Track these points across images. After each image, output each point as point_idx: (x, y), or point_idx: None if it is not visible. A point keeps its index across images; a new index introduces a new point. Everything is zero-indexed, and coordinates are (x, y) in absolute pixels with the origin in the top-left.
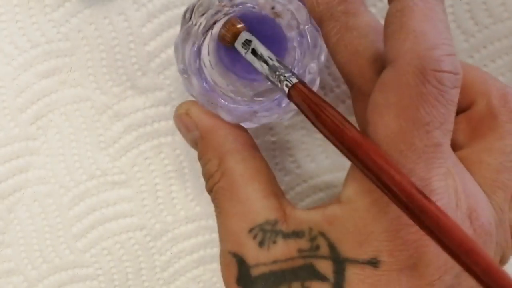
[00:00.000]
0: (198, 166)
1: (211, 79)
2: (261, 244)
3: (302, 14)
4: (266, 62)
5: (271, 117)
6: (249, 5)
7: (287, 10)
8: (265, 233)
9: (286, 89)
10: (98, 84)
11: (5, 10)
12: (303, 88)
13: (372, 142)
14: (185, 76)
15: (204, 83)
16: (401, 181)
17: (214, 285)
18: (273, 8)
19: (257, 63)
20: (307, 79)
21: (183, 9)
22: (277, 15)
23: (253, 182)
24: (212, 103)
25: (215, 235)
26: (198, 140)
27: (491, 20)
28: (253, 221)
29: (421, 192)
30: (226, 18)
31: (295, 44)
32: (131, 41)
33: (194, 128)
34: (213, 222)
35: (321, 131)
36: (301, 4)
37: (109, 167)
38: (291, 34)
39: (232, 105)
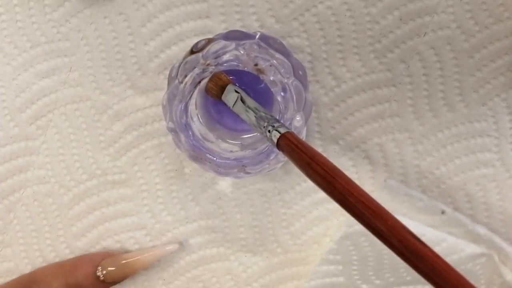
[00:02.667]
0: (198, 166)
1: (199, 133)
2: None
3: (286, 68)
4: (253, 113)
5: (259, 170)
6: (233, 63)
7: (270, 65)
8: None
9: (275, 139)
10: (98, 84)
11: (5, 10)
12: (292, 138)
13: (363, 189)
14: (173, 133)
15: (192, 139)
16: (394, 225)
17: (214, 285)
18: (256, 64)
19: (244, 115)
20: (293, 129)
21: (183, 9)
22: (260, 71)
23: None
24: (200, 159)
25: (215, 235)
26: None
27: (492, 20)
28: None
29: (414, 236)
30: (212, 73)
31: (279, 98)
32: (131, 41)
33: None
34: (212, 222)
35: (312, 180)
36: (284, 59)
37: (109, 167)
38: (275, 89)
39: (220, 160)
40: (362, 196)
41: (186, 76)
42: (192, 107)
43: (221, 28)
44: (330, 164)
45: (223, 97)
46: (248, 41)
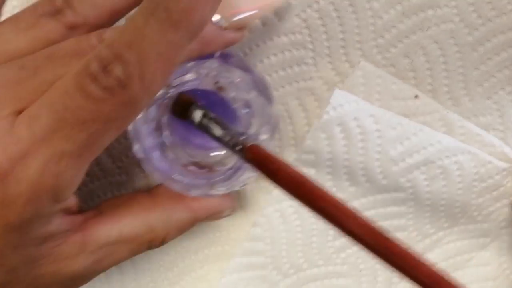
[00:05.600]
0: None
1: (170, 154)
2: None
3: (247, 84)
4: (219, 129)
5: (229, 187)
6: (194, 82)
7: (230, 83)
8: None
9: (242, 153)
10: None
11: (4, 11)
12: (257, 150)
13: (330, 192)
14: (141, 155)
15: (161, 161)
16: (365, 224)
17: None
18: (216, 82)
19: (210, 132)
20: (259, 144)
21: None
22: (221, 89)
23: None
24: (171, 180)
25: (220, 234)
26: None
27: (495, 13)
28: None
29: (385, 233)
30: (175, 94)
31: (241, 115)
32: None
33: None
34: (216, 221)
35: (280, 187)
36: (245, 75)
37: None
38: (237, 105)
39: (189, 181)
40: (331, 199)
41: None
42: (159, 129)
43: None
44: (296, 172)
45: (188, 117)
46: (208, 60)
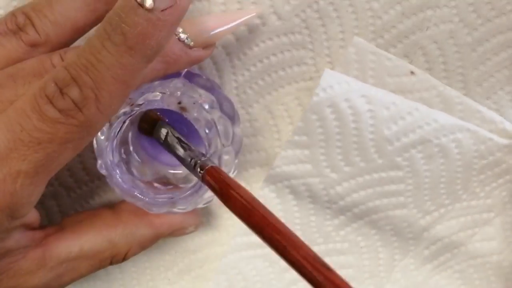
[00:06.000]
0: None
1: (134, 171)
2: None
3: (210, 104)
4: (182, 149)
5: (191, 204)
6: (158, 101)
7: (194, 103)
8: None
9: (200, 173)
10: None
11: (4, 12)
12: (215, 171)
13: (279, 220)
14: (104, 171)
15: (123, 178)
16: (312, 256)
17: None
18: (179, 102)
19: (173, 151)
20: (222, 164)
21: None
22: (184, 109)
23: None
24: (133, 197)
25: (219, 234)
26: None
27: (494, 13)
28: None
29: (326, 266)
30: (140, 112)
31: (203, 135)
32: None
33: None
34: (215, 221)
35: (231, 210)
36: (209, 95)
37: None
38: (199, 125)
39: (152, 199)
40: (280, 227)
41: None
42: (124, 146)
43: None
44: (249, 199)
45: (154, 134)
46: (173, 79)
